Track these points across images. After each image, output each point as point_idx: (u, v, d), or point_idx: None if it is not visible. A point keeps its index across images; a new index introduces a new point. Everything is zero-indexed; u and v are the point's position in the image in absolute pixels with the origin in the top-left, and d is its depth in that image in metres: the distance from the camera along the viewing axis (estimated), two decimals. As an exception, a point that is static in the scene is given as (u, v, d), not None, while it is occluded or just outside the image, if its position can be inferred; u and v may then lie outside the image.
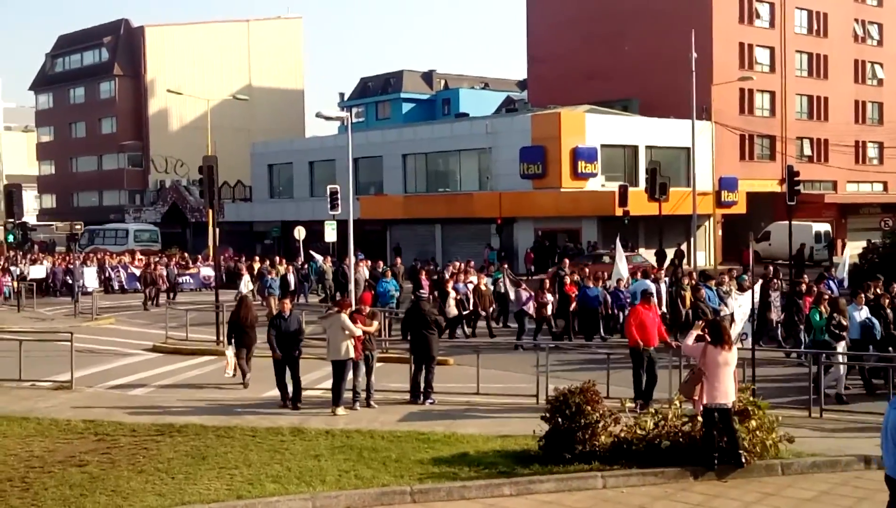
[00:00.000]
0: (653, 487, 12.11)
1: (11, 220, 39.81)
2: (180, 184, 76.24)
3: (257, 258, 40.06)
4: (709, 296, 23.00)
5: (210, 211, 30.23)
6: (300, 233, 43.15)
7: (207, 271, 43.57)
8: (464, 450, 13.29)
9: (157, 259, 45.46)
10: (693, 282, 24.99)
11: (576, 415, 12.62)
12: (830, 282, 25.61)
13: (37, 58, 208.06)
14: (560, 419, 12.69)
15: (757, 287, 23.28)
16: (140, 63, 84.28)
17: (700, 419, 12.66)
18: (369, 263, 36.58)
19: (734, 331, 21.91)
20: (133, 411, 16.40)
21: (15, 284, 38.55)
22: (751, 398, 13.19)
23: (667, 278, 27.37)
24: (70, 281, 39.28)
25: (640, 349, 16.62)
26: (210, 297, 39.03)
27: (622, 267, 28.85)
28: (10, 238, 41.86)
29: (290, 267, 37.56)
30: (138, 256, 50.30)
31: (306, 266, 39.29)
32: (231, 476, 12.04)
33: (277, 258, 39.26)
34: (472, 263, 34.67)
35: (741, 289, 23.12)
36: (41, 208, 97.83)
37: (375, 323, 17.78)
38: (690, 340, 13.31)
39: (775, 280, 24.61)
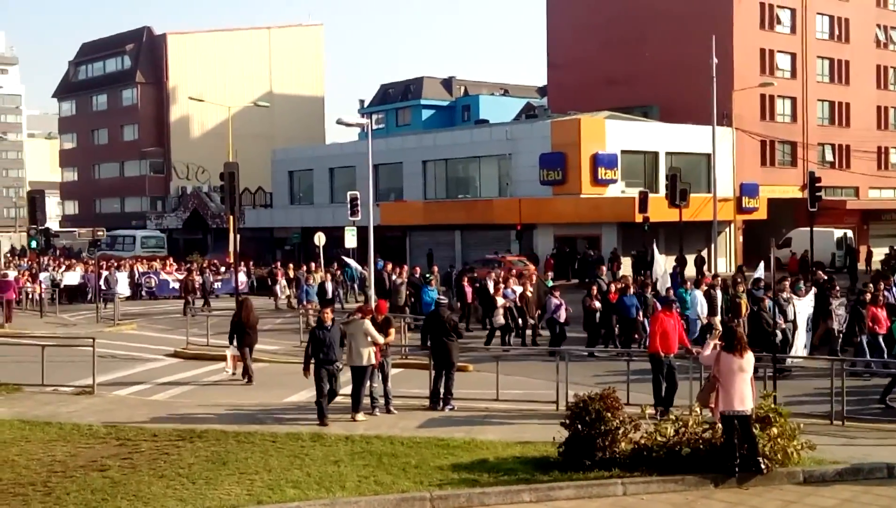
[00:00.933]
0: (673, 494, 12.07)
1: (34, 226, 40.13)
2: (201, 190, 76.66)
3: (292, 265, 39.94)
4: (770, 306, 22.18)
5: (231, 217, 30.35)
6: (320, 239, 43.25)
7: (241, 278, 44.18)
8: (483, 456, 13.28)
9: (191, 266, 45.73)
10: (747, 289, 24.33)
11: (596, 422, 12.59)
12: (887, 291, 24.41)
13: (60, 65, 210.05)
14: (580, 426, 12.66)
15: (811, 295, 22.93)
16: (162, 70, 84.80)
17: (720, 426, 12.62)
18: (405, 268, 35.63)
19: (797, 341, 21.59)
20: (154, 416, 16.48)
21: (40, 289, 38.67)
22: (772, 405, 13.13)
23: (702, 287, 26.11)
24: (105, 287, 39.94)
25: (661, 355, 16.57)
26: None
27: (665, 276, 28.12)
28: (33, 244, 42.24)
29: (328, 274, 37.17)
30: (170, 262, 50.61)
31: (339, 272, 39.07)
32: (251, 482, 12.08)
33: (313, 265, 39.08)
34: (514, 270, 33.89)
35: (798, 297, 22.56)
36: (63, 214, 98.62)
37: (393, 331, 17.76)
38: (708, 349, 13.29)
39: (836, 288, 23.83)
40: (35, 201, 37.72)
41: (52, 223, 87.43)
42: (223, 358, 24.29)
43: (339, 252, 44.14)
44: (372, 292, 27.67)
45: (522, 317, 26.89)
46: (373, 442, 14.25)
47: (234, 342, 20.93)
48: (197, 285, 38.94)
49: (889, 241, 54.31)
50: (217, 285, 43.49)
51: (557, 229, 50.02)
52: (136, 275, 44.69)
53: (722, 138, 47.20)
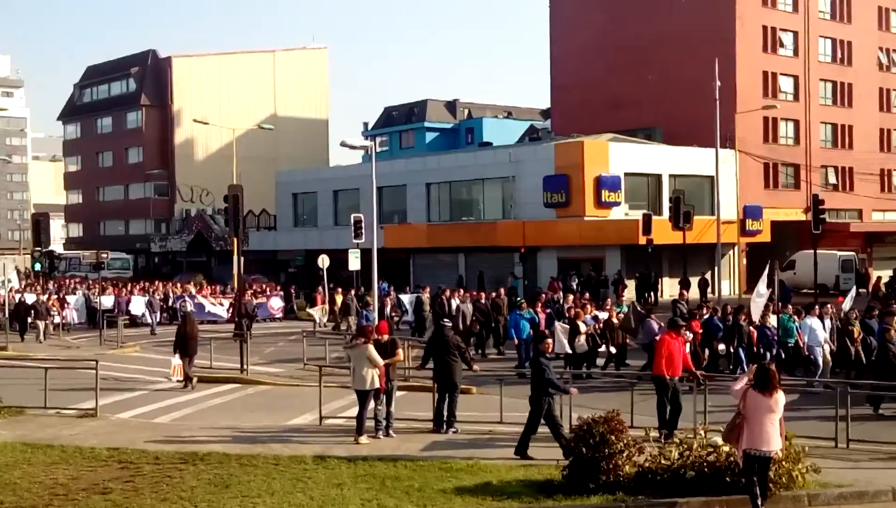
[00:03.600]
0: (678, 518, 12.01)
1: (39, 248, 40.16)
2: (205, 213, 76.82)
3: (340, 289, 39.62)
4: None
5: (235, 240, 30.43)
6: (324, 261, 43.32)
7: (277, 303, 44.60)
8: (487, 479, 13.23)
9: (230, 289, 45.62)
10: (859, 317, 23.41)
11: (600, 444, 12.55)
12: None
13: (65, 88, 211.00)
14: (584, 449, 12.62)
15: None
16: (167, 93, 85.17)
17: (724, 449, 12.49)
18: (462, 292, 33.53)
19: None
20: (157, 439, 16.44)
21: (49, 312, 37.99)
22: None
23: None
24: (148, 312, 40.24)
25: (666, 378, 16.50)
26: (279, 326, 39.73)
27: (760, 301, 27.18)
28: (38, 266, 42.24)
29: (388, 299, 35.88)
30: (206, 286, 50.42)
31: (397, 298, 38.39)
32: (254, 505, 12.03)
33: (369, 291, 38.54)
34: (588, 295, 32.25)
35: None
36: (68, 236, 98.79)
37: (400, 352, 17.70)
38: (739, 385, 12.59)
39: None
40: (39, 223, 37.77)
41: (57, 246, 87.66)
42: (226, 380, 24.41)
43: (340, 275, 44.09)
44: (375, 314, 27.63)
45: (606, 344, 25.73)
46: (376, 465, 14.20)
47: (178, 352, 23.48)
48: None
49: (892, 263, 54.16)
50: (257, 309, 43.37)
51: (561, 251, 50.00)
52: (171, 299, 44.25)
53: (725, 161, 47.24)
